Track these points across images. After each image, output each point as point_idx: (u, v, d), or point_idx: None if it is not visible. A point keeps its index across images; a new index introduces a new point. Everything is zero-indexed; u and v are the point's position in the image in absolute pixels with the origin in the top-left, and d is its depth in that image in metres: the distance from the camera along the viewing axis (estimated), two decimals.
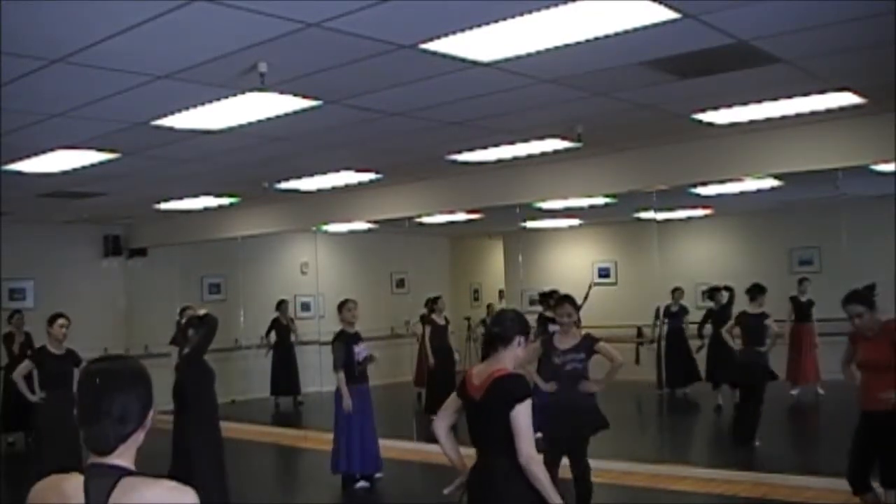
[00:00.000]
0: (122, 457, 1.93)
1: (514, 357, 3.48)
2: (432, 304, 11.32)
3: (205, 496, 1.98)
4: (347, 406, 7.53)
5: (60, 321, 7.28)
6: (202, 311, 6.91)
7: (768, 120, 6.59)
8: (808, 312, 10.32)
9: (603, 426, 5.86)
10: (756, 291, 8.39)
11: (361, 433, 7.66)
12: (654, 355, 11.40)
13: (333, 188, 9.58)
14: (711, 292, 10.32)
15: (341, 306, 7.80)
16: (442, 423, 3.64)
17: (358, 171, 8.64)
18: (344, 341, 7.62)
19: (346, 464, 7.70)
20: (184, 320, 7.32)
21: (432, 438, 3.87)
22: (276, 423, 11.93)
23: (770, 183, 8.30)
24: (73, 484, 1.91)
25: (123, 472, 1.91)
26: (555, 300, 6.16)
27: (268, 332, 12.73)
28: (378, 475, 7.87)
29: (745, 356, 8.32)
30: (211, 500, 5.68)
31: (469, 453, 3.56)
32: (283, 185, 9.27)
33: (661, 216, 9.27)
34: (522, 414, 3.22)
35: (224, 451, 6.82)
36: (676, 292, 11.21)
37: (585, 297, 10.94)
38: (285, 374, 12.68)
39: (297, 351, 12.80)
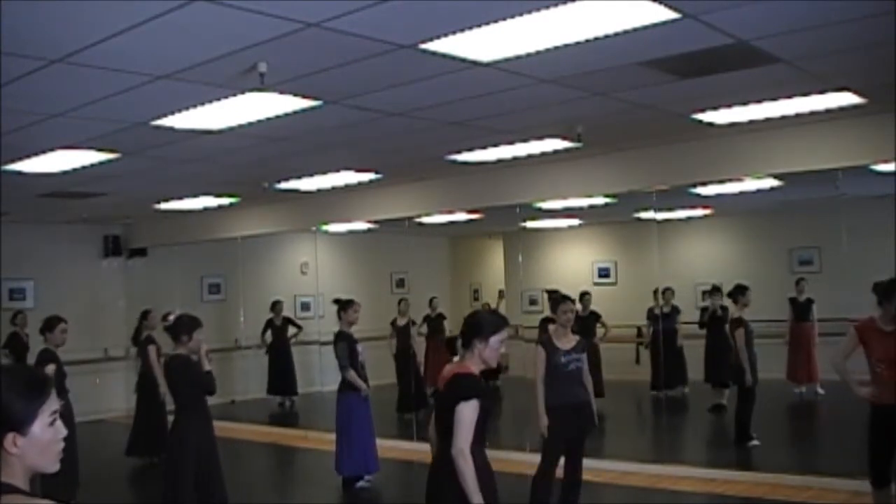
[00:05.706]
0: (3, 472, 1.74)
1: (478, 358, 3.62)
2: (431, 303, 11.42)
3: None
4: (364, 390, 7.51)
5: (62, 325, 7.04)
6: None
7: (768, 120, 6.59)
8: (806, 312, 10.32)
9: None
10: (738, 293, 8.33)
11: (364, 434, 7.65)
12: (649, 356, 11.40)
13: (333, 188, 9.58)
14: (713, 290, 10.29)
15: (347, 306, 7.64)
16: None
17: (358, 171, 8.64)
18: (347, 341, 7.58)
19: (348, 466, 7.68)
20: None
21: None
22: (276, 423, 11.92)
23: (770, 183, 8.29)
24: None
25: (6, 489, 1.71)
26: (554, 300, 6.15)
27: (263, 333, 12.74)
28: (369, 477, 7.81)
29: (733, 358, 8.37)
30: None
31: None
32: (283, 185, 9.27)
33: (661, 216, 9.26)
34: (464, 411, 3.42)
35: None
36: (666, 293, 10.87)
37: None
38: (281, 375, 12.68)
39: (297, 351, 12.80)
